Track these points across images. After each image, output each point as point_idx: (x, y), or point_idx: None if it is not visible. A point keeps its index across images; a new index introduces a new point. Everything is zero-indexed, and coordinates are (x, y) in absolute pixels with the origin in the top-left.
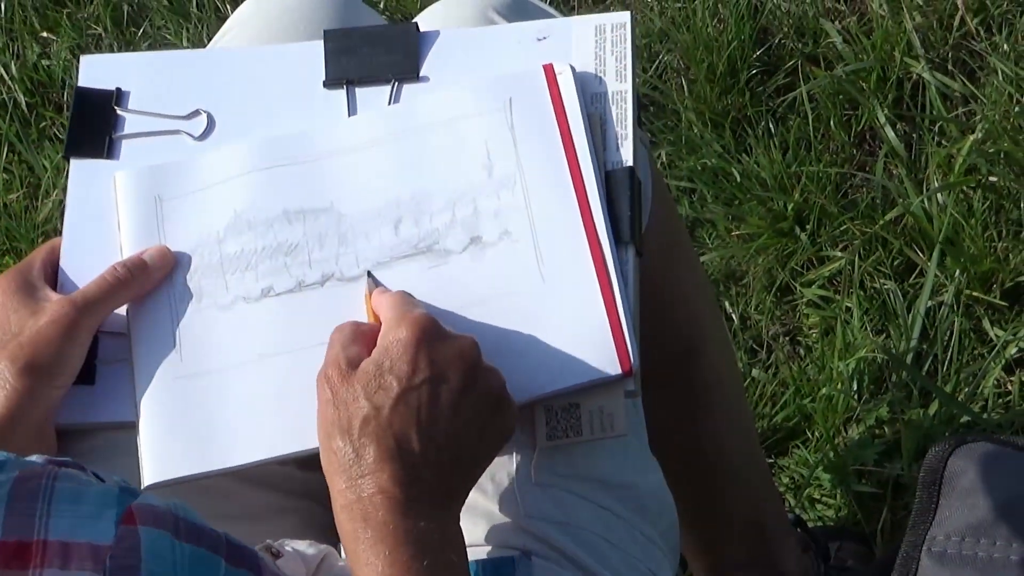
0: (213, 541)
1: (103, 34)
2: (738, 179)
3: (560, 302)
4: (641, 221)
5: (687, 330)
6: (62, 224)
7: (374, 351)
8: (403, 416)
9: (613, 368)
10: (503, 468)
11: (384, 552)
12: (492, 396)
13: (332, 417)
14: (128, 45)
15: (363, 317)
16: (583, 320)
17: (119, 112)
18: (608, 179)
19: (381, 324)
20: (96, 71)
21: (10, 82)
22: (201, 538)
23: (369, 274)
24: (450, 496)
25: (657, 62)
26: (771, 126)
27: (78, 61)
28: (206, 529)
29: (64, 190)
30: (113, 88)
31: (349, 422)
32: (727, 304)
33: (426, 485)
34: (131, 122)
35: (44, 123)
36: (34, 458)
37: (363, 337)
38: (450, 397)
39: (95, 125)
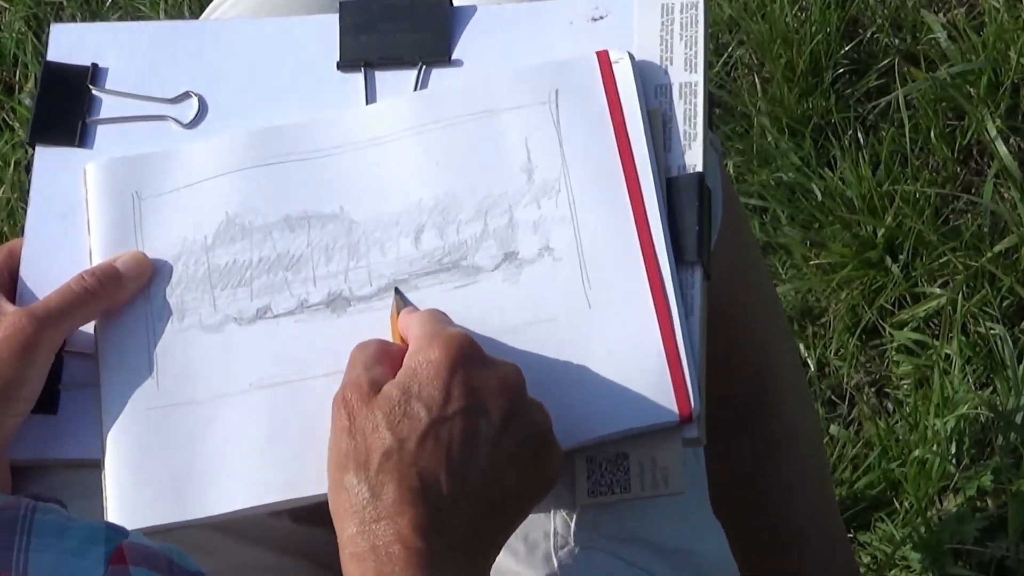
0: None
1: (64, 2)
2: (819, 198)
3: (609, 333)
4: (710, 238)
5: (758, 371)
6: (23, 224)
7: (400, 374)
8: (431, 452)
9: (670, 413)
10: (537, 527)
11: None
12: (537, 435)
13: (347, 448)
14: (94, 16)
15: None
16: (636, 355)
17: (95, 92)
18: (670, 187)
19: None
20: (69, 43)
21: None
22: None
23: (397, 291)
24: (481, 551)
25: (725, 56)
26: (860, 136)
27: (33, 33)
28: None
29: (20, 184)
30: (88, 64)
31: (367, 455)
32: (802, 347)
33: (454, 536)
34: (108, 104)
35: None
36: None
37: (390, 358)
38: (489, 432)
39: (66, 107)
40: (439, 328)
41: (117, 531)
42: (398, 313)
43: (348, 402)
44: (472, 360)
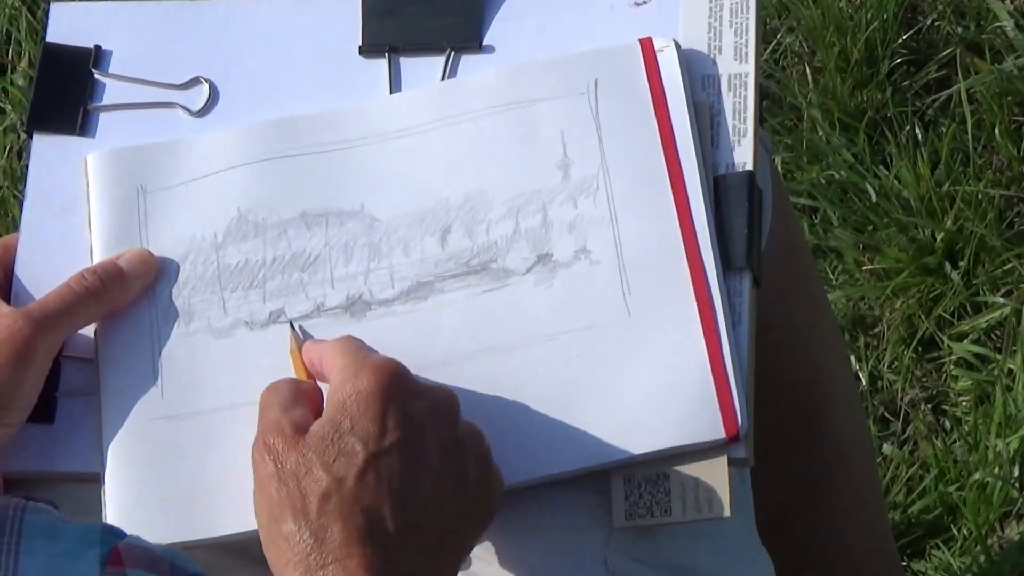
0: None
1: None
2: (873, 198)
3: (650, 343)
4: (760, 242)
5: (809, 386)
6: (16, 217)
7: (327, 409)
8: (373, 488)
9: (715, 430)
10: (569, 552)
11: None
12: (478, 460)
13: (279, 496)
14: None
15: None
16: (679, 367)
17: (97, 76)
18: (718, 186)
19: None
20: (70, 22)
21: None
22: None
23: (292, 324)
24: None
25: (774, 44)
26: (918, 132)
27: (28, 8)
28: None
29: (12, 172)
30: (91, 45)
31: (303, 500)
32: (853, 359)
33: (405, 573)
34: (112, 89)
35: None
36: None
37: (307, 396)
38: (430, 462)
39: (66, 92)
40: (363, 356)
41: (113, 532)
42: (299, 348)
43: (271, 447)
44: (404, 388)
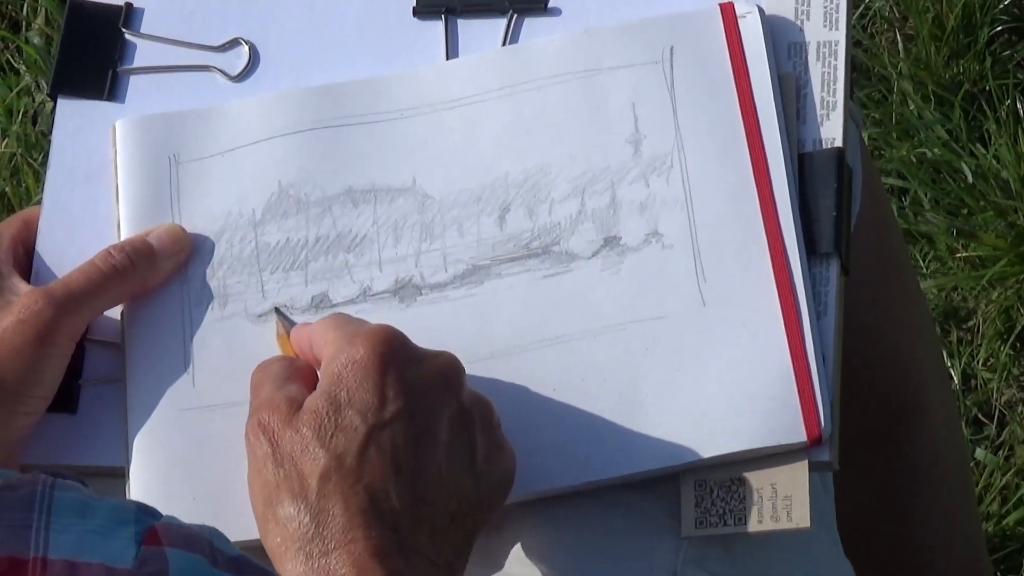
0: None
1: None
2: (969, 179)
3: (726, 336)
4: (849, 226)
5: (899, 384)
6: (31, 185)
7: (321, 382)
8: (375, 464)
9: (795, 432)
10: (637, 559)
11: None
12: (487, 430)
13: (275, 478)
14: None
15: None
16: (757, 362)
17: (128, 36)
18: (803, 164)
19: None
20: None
21: None
22: (244, 572)
23: (278, 310)
24: (448, 568)
25: (862, 8)
26: (1019, 107)
27: None
28: (250, 563)
29: (26, 137)
30: (122, 2)
31: (301, 480)
32: (944, 355)
33: (416, 555)
34: (143, 51)
35: None
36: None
37: (300, 373)
38: (436, 434)
39: (94, 53)
40: (356, 326)
41: (148, 512)
42: (286, 334)
43: (267, 426)
44: (403, 353)
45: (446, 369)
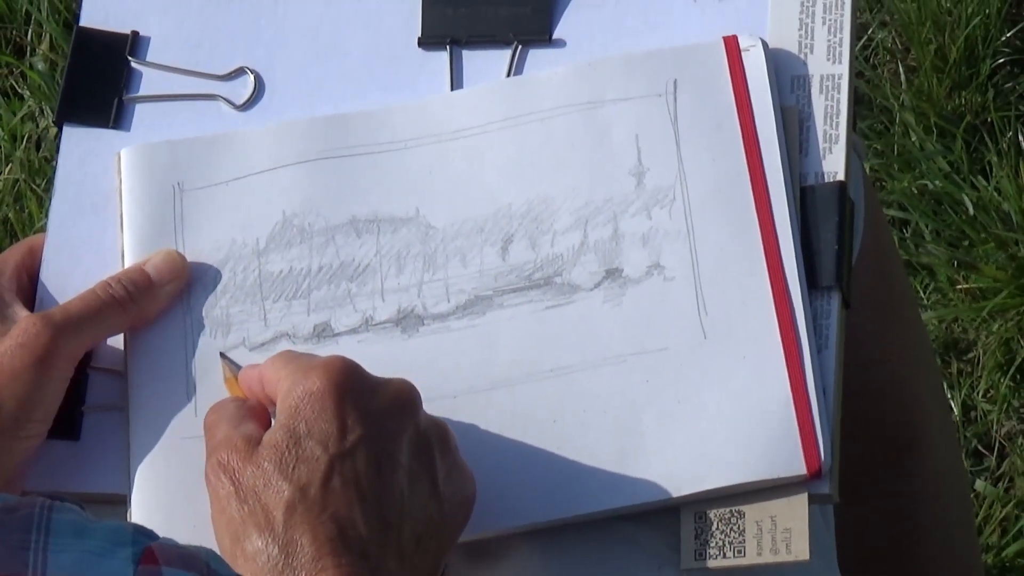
0: None
1: None
2: (970, 211)
3: (727, 368)
4: (850, 259)
5: (899, 416)
6: (44, 216)
7: (279, 417)
8: (339, 492)
9: (795, 465)
10: None
11: None
12: (446, 454)
13: (240, 514)
14: None
15: (436, 377)
16: (757, 394)
17: (134, 64)
18: (805, 198)
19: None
20: (105, 5)
21: None
22: None
23: (222, 355)
24: None
25: (865, 39)
26: (1021, 139)
27: None
28: None
29: (30, 163)
30: (128, 31)
31: (266, 514)
32: (945, 386)
33: None
34: (149, 79)
35: None
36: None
37: (253, 412)
38: (398, 459)
39: (100, 81)
40: (308, 359)
41: (145, 533)
42: (234, 376)
43: (226, 465)
44: (359, 382)
45: (402, 395)
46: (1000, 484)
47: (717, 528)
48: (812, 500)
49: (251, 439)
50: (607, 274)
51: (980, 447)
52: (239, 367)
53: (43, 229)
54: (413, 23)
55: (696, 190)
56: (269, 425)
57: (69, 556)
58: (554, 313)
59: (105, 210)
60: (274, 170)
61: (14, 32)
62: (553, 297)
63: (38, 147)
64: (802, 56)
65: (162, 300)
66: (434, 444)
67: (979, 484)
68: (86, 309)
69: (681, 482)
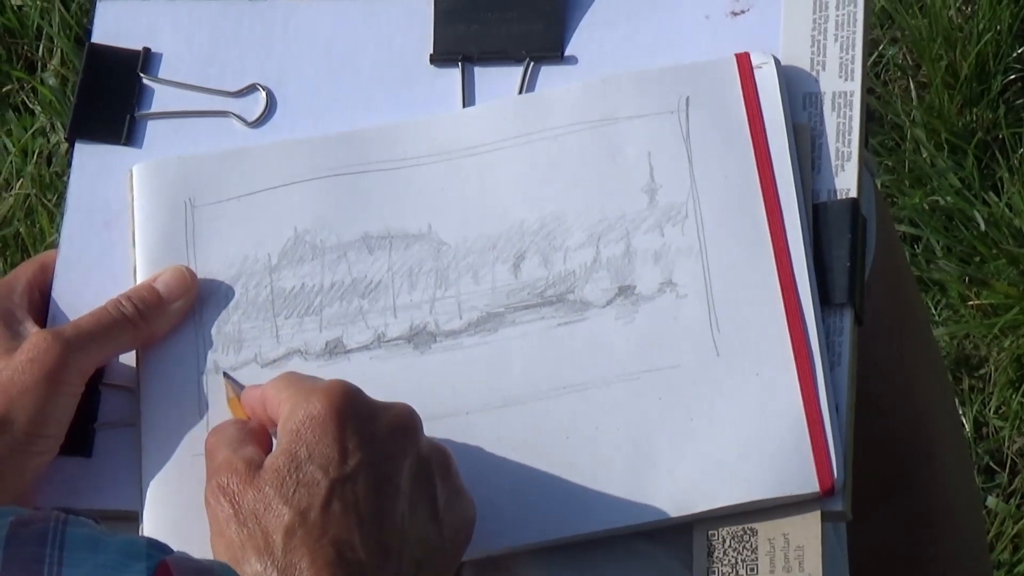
0: None
1: None
2: (981, 227)
3: (740, 386)
4: (863, 276)
5: (912, 434)
6: (56, 231)
7: (280, 441)
8: (339, 516)
9: (808, 483)
10: None
11: None
12: (447, 479)
13: (239, 538)
14: None
15: (448, 394)
16: (771, 412)
17: (145, 81)
18: (818, 215)
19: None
20: (117, 22)
21: None
22: None
23: (226, 375)
24: None
25: (875, 56)
26: None
27: (61, 2)
28: None
29: (40, 179)
30: (139, 48)
31: (266, 538)
32: (956, 402)
33: None
34: (161, 96)
35: (9, 86)
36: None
37: (254, 435)
38: (398, 484)
39: (112, 98)
40: (311, 382)
41: (158, 547)
42: (236, 396)
43: (226, 488)
44: (360, 407)
45: (403, 420)
46: (1012, 501)
47: (730, 546)
48: (825, 517)
49: (252, 463)
50: (619, 291)
51: (992, 464)
52: (242, 387)
53: (54, 244)
54: (425, 40)
55: (708, 207)
56: (270, 448)
57: (83, 570)
58: (566, 330)
59: (117, 227)
60: (286, 186)
61: (25, 47)
62: (565, 314)
63: (49, 162)
64: (814, 73)
65: (172, 317)
66: (435, 469)
67: (991, 501)
68: (97, 326)
69: (693, 500)
